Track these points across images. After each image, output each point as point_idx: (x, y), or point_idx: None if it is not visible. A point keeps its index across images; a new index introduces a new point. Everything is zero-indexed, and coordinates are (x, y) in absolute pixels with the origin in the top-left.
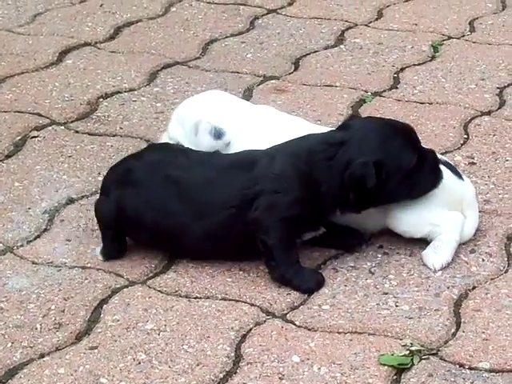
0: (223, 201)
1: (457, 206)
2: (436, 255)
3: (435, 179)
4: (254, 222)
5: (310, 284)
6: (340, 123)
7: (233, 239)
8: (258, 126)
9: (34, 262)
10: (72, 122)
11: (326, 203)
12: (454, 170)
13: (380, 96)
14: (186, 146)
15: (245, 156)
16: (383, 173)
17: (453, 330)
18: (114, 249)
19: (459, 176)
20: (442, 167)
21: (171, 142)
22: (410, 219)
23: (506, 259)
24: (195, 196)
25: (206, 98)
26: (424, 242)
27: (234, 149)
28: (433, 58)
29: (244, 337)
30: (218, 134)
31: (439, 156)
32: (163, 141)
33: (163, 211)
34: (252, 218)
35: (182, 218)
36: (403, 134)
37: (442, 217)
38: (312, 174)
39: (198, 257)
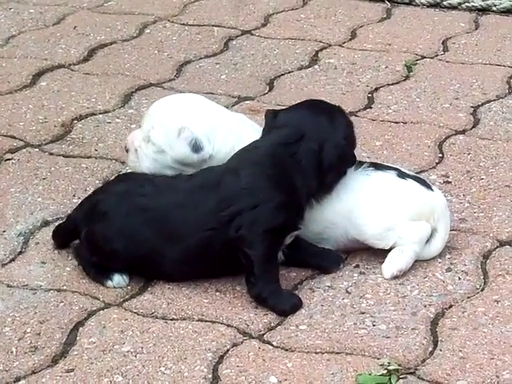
0: (198, 224)
1: (427, 216)
2: (390, 264)
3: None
4: (239, 239)
5: (285, 306)
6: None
7: (211, 259)
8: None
9: (8, 285)
10: (46, 144)
11: (303, 197)
12: (422, 181)
13: (355, 116)
14: (163, 147)
15: (207, 175)
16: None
17: (430, 349)
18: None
19: (428, 187)
20: (409, 180)
21: (144, 141)
22: (376, 232)
23: (482, 277)
24: (167, 222)
25: (190, 103)
26: None
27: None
28: (407, 77)
29: (221, 358)
30: (196, 148)
31: (406, 171)
32: (135, 137)
33: (135, 240)
34: (237, 237)
35: (155, 245)
36: (331, 107)
37: (406, 228)
38: (282, 175)
39: (175, 279)
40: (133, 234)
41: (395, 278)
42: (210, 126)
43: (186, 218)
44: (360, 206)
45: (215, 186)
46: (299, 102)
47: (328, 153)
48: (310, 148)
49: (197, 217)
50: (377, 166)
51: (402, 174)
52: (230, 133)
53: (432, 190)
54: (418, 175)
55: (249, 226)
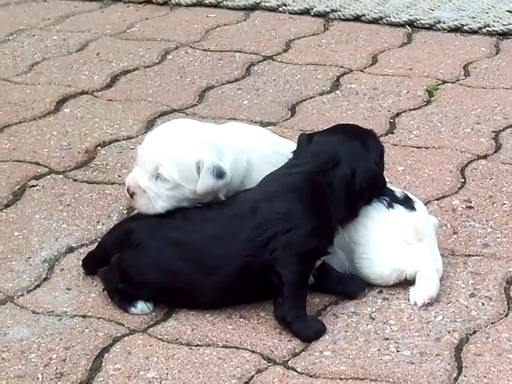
0: (235, 253)
1: (412, 239)
2: (419, 292)
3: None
4: (273, 260)
5: (309, 332)
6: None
7: (248, 286)
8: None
9: (34, 312)
10: (70, 170)
11: (334, 223)
12: (406, 202)
13: None
14: (178, 182)
15: (241, 204)
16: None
17: (454, 375)
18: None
19: (411, 208)
20: (396, 207)
21: (151, 180)
22: (375, 271)
23: (505, 303)
24: (202, 254)
25: (186, 131)
26: None
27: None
28: (428, 102)
29: None
30: (219, 174)
31: (397, 192)
32: (139, 178)
33: (168, 273)
34: (271, 258)
35: (191, 277)
36: (364, 132)
37: (403, 257)
38: (319, 202)
39: (211, 308)
40: (166, 268)
41: (426, 305)
42: (218, 148)
43: (222, 249)
44: (356, 248)
45: (250, 213)
46: (333, 125)
47: (359, 179)
48: (344, 174)
49: (233, 246)
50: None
51: (391, 202)
52: (238, 147)
53: (415, 209)
54: (405, 192)
55: (283, 248)
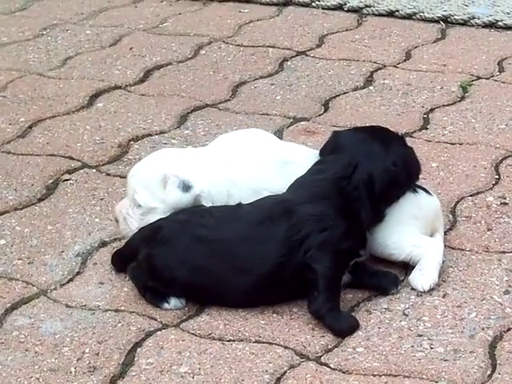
0: (270, 253)
1: (432, 220)
2: (423, 277)
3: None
4: (308, 259)
5: (342, 326)
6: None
7: (281, 287)
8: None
9: (67, 306)
10: (103, 164)
11: (365, 227)
12: (421, 187)
13: (410, 137)
14: (152, 205)
15: (272, 207)
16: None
17: (488, 372)
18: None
19: (427, 191)
20: (418, 190)
21: (131, 207)
22: (393, 242)
23: None
24: (234, 254)
25: (157, 157)
26: (456, 284)
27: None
28: (462, 98)
29: (278, 380)
30: (186, 187)
31: None
32: (123, 206)
33: (198, 270)
34: (306, 257)
35: (222, 276)
36: (386, 134)
37: (421, 239)
38: (349, 206)
39: (243, 307)
40: (195, 265)
41: (431, 289)
42: (190, 166)
43: (256, 250)
44: (383, 227)
45: (283, 216)
46: (362, 126)
47: (378, 182)
48: (363, 178)
49: (268, 247)
50: None
51: (414, 187)
52: (208, 166)
53: (432, 195)
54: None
55: (318, 246)
